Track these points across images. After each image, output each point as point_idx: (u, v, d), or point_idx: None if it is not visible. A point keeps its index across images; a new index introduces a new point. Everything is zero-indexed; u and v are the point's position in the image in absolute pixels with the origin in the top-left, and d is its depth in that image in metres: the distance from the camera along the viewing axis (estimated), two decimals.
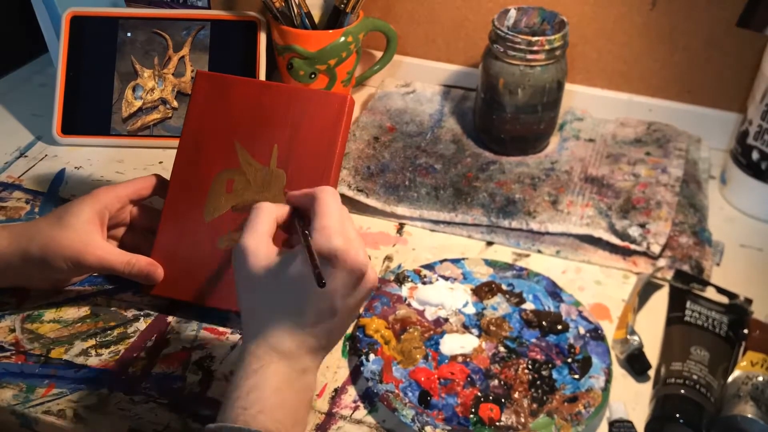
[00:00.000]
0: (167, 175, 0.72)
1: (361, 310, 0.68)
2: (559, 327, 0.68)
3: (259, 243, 0.55)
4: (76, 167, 0.90)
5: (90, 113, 0.94)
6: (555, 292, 0.72)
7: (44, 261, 0.65)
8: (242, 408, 0.51)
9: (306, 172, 0.68)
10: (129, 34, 0.96)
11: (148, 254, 0.69)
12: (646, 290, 0.73)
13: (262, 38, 0.96)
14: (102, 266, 0.67)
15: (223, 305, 0.70)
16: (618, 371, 0.66)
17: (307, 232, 0.54)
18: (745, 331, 0.68)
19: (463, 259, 0.75)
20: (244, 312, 0.56)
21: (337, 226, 0.53)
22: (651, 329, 0.69)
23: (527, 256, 0.78)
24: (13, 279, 0.69)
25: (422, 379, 0.64)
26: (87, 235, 0.66)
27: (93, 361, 0.66)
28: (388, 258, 0.78)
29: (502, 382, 0.64)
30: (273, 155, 0.69)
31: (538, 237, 0.79)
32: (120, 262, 0.67)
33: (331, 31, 0.93)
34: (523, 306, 0.71)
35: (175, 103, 0.95)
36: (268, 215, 0.56)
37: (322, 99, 0.68)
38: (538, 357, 0.66)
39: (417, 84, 1.04)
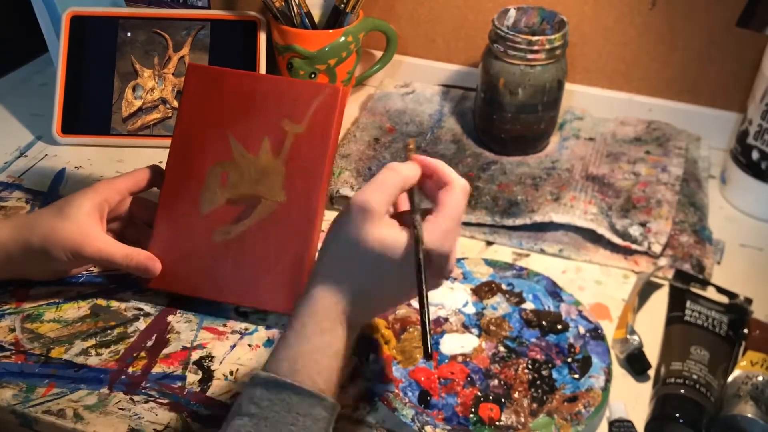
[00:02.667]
0: None
1: None
2: (559, 327, 0.68)
3: (382, 208, 0.53)
4: (76, 167, 0.90)
5: (90, 113, 0.94)
6: (555, 291, 0.72)
7: (45, 252, 0.66)
8: (301, 366, 0.51)
9: (301, 163, 0.68)
10: (129, 34, 0.96)
11: (147, 248, 0.70)
12: (645, 290, 0.73)
13: (262, 38, 0.96)
14: (101, 258, 0.67)
15: (219, 298, 0.70)
16: (618, 371, 0.66)
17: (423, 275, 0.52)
18: (745, 330, 0.68)
19: (463, 258, 0.75)
20: (330, 261, 0.54)
21: (453, 229, 0.53)
22: (651, 329, 0.69)
23: (527, 255, 0.78)
24: (14, 270, 0.70)
25: (422, 378, 0.64)
26: (87, 227, 0.67)
27: (93, 360, 0.66)
28: None
29: (502, 382, 0.64)
30: (263, 147, 0.69)
31: (541, 236, 0.79)
32: (119, 254, 0.67)
33: (331, 30, 0.93)
34: (523, 306, 0.71)
35: (175, 103, 0.95)
36: (398, 180, 0.54)
37: (315, 90, 0.68)
38: (538, 357, 0.66)
39: (416, 84, 1.03)
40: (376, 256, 0.52)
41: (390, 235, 0.52)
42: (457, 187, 0.54)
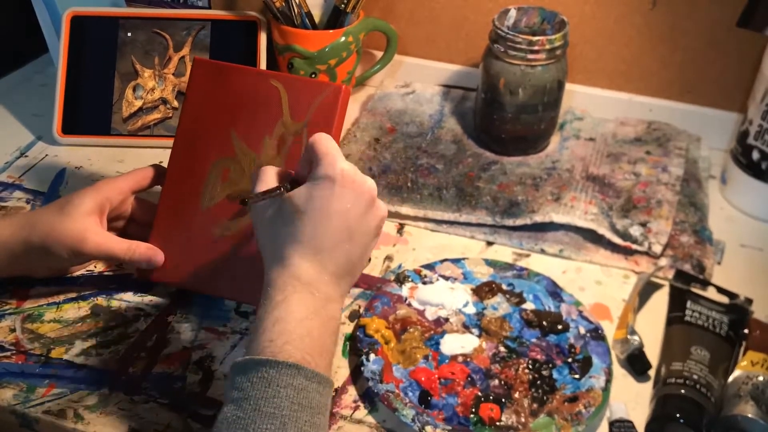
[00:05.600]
0: None
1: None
2: (560, 327, 0.68)
3: (268, 186, 0.58)
4: (76, 167, 0.90)
5: (90, 113, 0.94)
6: (555, 291, 0.72)
7: (45, 249, 0.67)
8: (269, 340, 0.52)
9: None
10: (129, 34, 0.96)
11: (148, 241, 0.71)
12: (646, 290, 0.73)
13: (263, 38, 0.96)
14: (102, 253, 0.68)
15: (217, 293, 0.70)
16: (618, 371, 0.66)
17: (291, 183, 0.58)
18: (746, 330, 0.68)
19: (464, 259, 0.75)
20: (263, 250, 0.58)
21: (340, 155, 0.57)
22: (651, 329, 0.69)
23: (527, 256, 0.78)
24: (16, 268, 0.70)
25: (422, 379, 0.64)
26: (87, 225, 0.67)
27: (93, 361, 0.66)
28: (389, 258, 0.78)
29: (503, 382, 0.64)
30: (264, 144, 0.68)
31: (541, 236, 0.79)
32: (120, 248, 0.68)
33: (331, 31, 0.93)
34: (524, 306, 0.71)
35: (175, 103, 0.95)
36: (273, 170, 0.60)
37: (317, 88, 0.68)
38: (539, 357, 0.66)
39: (416, 84, 1.03)
40: (273, 217, 0.57)
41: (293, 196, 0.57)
42: (315, 137, 0.58)
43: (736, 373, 0.63)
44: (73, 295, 0.72)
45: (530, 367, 0.65)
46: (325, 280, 0.56)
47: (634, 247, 0.77)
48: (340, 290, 0.57)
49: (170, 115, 0.95)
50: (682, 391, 0.61)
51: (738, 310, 0.69)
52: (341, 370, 0.66)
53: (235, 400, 0.50)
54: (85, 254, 0.68)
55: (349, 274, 0.58)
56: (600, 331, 0.67)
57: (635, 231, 0.78)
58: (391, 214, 0.83)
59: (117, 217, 0.73)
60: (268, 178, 0.59)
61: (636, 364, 0.66)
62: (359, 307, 0.72)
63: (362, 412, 0.63)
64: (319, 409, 0.51)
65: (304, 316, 0.53)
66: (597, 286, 0.75)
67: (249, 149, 0.69)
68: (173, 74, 0.95)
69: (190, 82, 0.71)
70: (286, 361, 0.50)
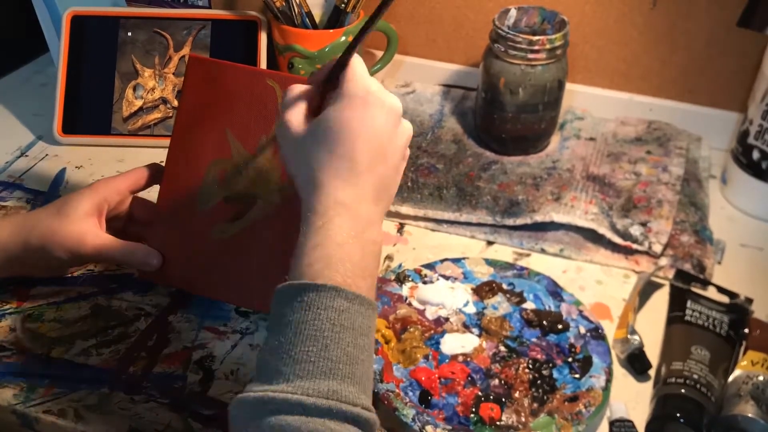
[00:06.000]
0: None
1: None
2: (560, 326, 0.68)
3: (298, 113, 0.57)
4: (76, 167, 0.90)
5: (90, 113, 0.94)
6: (556, 291, 0.72)
7: (44, 251, 0.66)
8: (307, 265, 0.51)
9: None
10: (130, 34, 0.96)
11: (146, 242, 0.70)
12: (646, 289, 0.73)
13: (263, 38, 0.96)
14: (100, 255, 0.68)
15: (213, 296, 0.70)
16: (618, 371, 0.66)
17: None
18: (746, 330, 0.68)
19: (464, 258, 0.75)
20: (298, 180, 0.57)
21: (368, 74, 0.56)
22: (652, 329, 0.69)
23: (528, 255, 0.78)
24: (14, 269, 0.70)
25: (423, 378, 0.64)
26: (85, 227, 0.67)
27: (93, 360, 0.66)
28: (389, 257, 0.78)
29: (503, 382, 0.64)
30: (260, 145, 0.68)
31: (542, 236, 0.80)
32: (118, 250, 0.68)
33: (331, 30, 0.93)
34: (524, 305, 0.71)
35: (175, 103, 0.95)
36: (300, 91, 0.59)
37: None
38: (539, 356, 0.66)
39: (417, 84, 1.04)
40: (308, 143, 0.56)
41: (306, 122, 0.57)
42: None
43: (737, 372, 0.63)
44: (74, 294, 0.72)
45: (530, 366, 0.65)
46: (363, 202, 0.55)
47: (635, 246, 0.77)
48: (378, 213, 0.56)
49: (170, 114, 0.95)
50: (683, 390, 0.61)
51: (738, 310, 0.69)
52: None
53: (276, 327, 0.49)
54: (84, 256, 0.68)
55: (386, 195, 0.57)
56: (600, 331, 0.67)
57: (635, 230, 0.78)
58: (392, 214, 0.83)
59: (115, 217, 0.72)
60: (298, 94, 0.58)
61: (636, 363, 0.66)
62: None
63: None
64: (362, 330, 0.49)
65: (343, 240, 0.52)
66: (597, 285, 0.75)
67: (244, 150, 0.68)
68: (173, 74, 0.96)
69: (185, 79, 0.70)
70: (325, 284, 0.49)
